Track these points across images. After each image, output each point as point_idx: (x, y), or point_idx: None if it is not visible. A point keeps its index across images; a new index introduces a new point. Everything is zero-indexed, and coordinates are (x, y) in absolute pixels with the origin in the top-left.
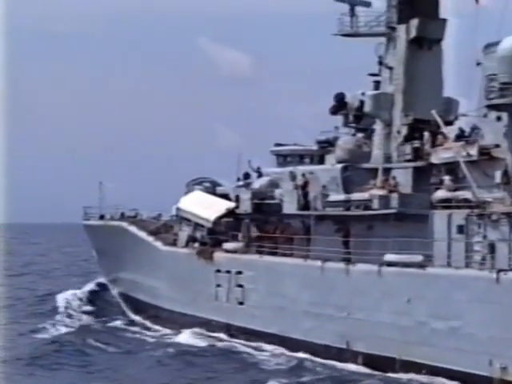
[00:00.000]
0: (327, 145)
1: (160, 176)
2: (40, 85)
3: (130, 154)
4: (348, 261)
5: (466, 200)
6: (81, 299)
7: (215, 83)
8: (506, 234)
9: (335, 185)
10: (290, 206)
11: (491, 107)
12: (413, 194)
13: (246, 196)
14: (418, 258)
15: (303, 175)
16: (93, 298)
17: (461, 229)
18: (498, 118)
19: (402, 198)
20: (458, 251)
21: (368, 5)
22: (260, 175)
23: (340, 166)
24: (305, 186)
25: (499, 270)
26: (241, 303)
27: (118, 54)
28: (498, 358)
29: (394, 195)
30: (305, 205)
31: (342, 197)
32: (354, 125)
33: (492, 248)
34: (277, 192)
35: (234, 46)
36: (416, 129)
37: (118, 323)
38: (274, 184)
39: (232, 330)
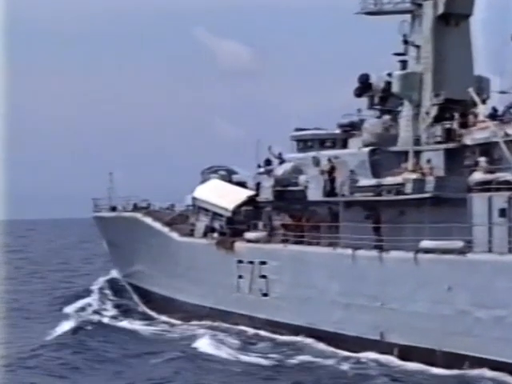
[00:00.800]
0: (350, 128)
1: (167, 167)
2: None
3: (134, 146)
4: (380, 248)
5: (506, 182)
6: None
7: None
8: None
9: (363, 169)
10: (315, 193)
11: None
12: (449, 177)
13: (267, 183)
14: (459, 244)
15: (329, 160)
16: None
17: (503, 212)
18: None
19: (439, 181)
20: (499, 236)
21: None
22: (282, 161)
23: (368, 149)
24: (331, 171)
25: None
26: (265, 294)
27: (115, 47)
28: None
29: (430, 178)
30: (331, 191)
31: (372, 181)
32: (379, 107)
33: None
34: (301, 178)
35: (233, 37)
36: (446, 109)
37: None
38: (297, 170)
39: (256, 323)
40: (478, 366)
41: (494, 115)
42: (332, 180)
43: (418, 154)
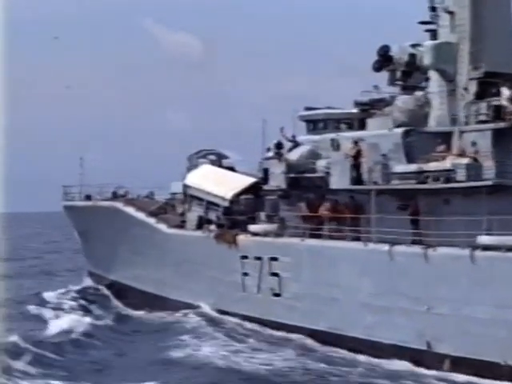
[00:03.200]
0: (369, 107)
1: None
2: None
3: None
4: (421, 244)
5: None
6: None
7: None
8: None
9: (396, 153)
10: (339, 180)
11: None
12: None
13: (278, 169)
14: None
15: (355, 143)
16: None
17: None
18: None
19: (499, 166)
20: None
21: None
22: (296, 145)
23: (401, 130)
24: (357, 155)
25: None
26: (277, 295)
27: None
28: None
29: (489, 164)
30: (357, 178)
31: (412, 167)
32: (401, 82)
33: None
34: (319, 164)
35: (182, 29)
36: (487, 84)
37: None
38: (314, 154)
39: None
40: None
41: None
42: (358, 165)
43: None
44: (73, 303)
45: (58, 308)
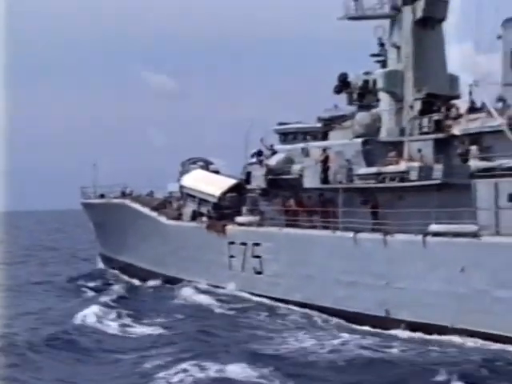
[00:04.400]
0: (330, 122)
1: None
2: None
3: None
4: (380, 231)
5: (509, 168)
6: None
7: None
8: None
9: (357, 158)
10: (311, 180)
11: None
12: (454, 164)
13: (259, 172)
14: (473, 228)
15: (324, 150)
16: None
17: (511, 197)
18: None
19: (446, 168)
20: (508, 220)
21: None
22: (274, 152)
23: (360, 140)
24: (325, 160)
25: None
26: (259, 273)
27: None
28: None
29: (438, 166)
30: (325, 179)
31: (372, 169)
32: (357, 102)
33: None
34: (294, 167)
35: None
36: (428, 102)
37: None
38: (289, 160)
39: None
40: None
41: (472, 108)
42: (326, 169)
43: (401, 144)
44: None
45: None
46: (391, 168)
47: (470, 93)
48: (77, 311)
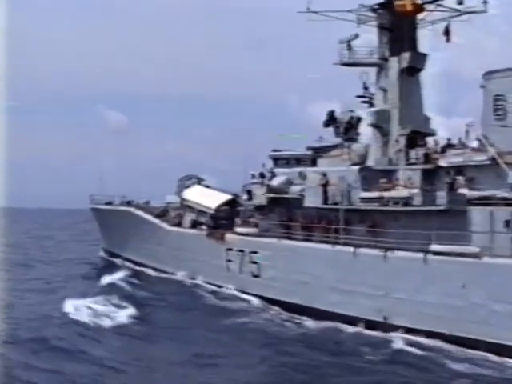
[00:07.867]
0: (318, 151)
1: None
2: None
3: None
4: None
5: (503, 198)
6: None
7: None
8: None
9: (354, 183)
10: (312, 200)
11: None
12: (456, 193)
13: (260, 191)
14: (474, 250)
15: (324, 175)
16: None
17: (507, 223)
18: None
19: (450, 195)
20: (503, 244)
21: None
22: (273, 175)
23: (357, 167)
24: (325, 184)
25: None
26: (256, 276)
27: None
28: None
29: (442, 193)
30: (325, 199)
31: (374, 194)
32: (342, 135)
33: None
34: (292, 188)
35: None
36: (410, 138)
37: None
38: (289, 182)
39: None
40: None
41: (449, 144)
42: (326, 191)
43: (392, 172)
44: None
45: None
46: (394, 193)
47: (467, 132)
48: None
